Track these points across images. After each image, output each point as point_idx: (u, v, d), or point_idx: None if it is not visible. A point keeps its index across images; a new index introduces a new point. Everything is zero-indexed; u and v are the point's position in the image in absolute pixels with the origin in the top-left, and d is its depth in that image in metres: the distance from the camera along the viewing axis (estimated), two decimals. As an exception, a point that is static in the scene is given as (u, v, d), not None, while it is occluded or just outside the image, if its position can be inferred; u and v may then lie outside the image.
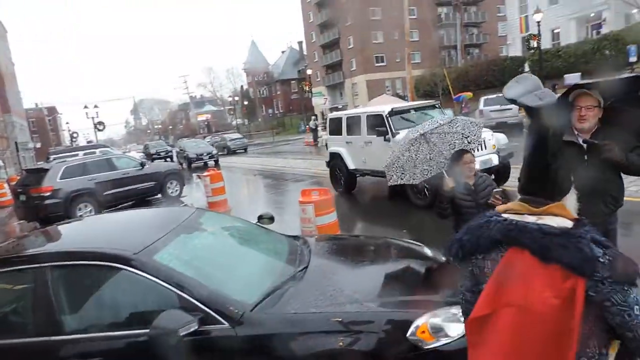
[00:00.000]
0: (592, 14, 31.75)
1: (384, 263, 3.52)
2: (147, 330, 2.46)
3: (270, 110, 75.19)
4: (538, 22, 23.89)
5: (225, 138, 35.12)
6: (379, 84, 48.71)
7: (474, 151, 4.09)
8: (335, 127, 10.53)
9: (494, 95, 19.81)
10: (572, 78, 22.78)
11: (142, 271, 2.70)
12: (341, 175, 10.39)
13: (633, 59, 22.89)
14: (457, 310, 2.73)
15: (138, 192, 12.31)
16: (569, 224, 1.50)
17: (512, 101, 1.76)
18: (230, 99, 75.93)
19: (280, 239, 3.77)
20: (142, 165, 12.85)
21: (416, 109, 9.20)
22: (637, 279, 1.38)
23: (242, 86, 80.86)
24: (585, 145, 2.87)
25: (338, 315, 2.56)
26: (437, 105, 9.73)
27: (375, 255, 3.76)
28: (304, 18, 63.27)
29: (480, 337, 1.55)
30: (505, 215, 1.61)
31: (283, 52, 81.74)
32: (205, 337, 2.51)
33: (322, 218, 5.78)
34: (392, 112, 8.71)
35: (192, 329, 2.43)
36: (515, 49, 36.07)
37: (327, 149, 10.82)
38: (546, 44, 30.59)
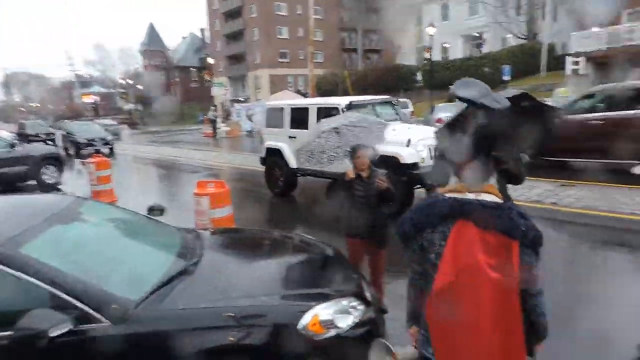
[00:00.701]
0: (476, 34, 35.09)
1: (279, 257, 3.52)
2: (11, 333, 2.19)
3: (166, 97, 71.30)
4: (431, 35, 25.72)
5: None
6: (281, 79, 48.85)
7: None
8: (274, 119, 9.26)
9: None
10: (457, 90, 24.98)
11: (6, 265, 2.39)
12: (280, 174, 9.17)
13: (507, 77, 25.70)
14: (347, 302, 2.84)
15: (6, 177, 10.89)
16: (499, 200, 1.86)
17: (467, 101, 2.02)
18: (123, 81, 70.57)
19: (171, 231, 3.59)
20: (12, 146, 11.40)
21: (375, 104, 8.53)
22: (541, 245, 1.80)
23: (136, 68, 75.71)
24: None
25: (230, 310, 2.50)
26: (393, 102, 9.13)
27: (270, 249, 3.75)
28: (208, 5, 61.09)
29: (448, 308, 1.76)
30: (449, 195, 1.90)
31: (184, 37, 78.15)
32: (81, 338, 2.30)
33: (217, 211, 5.62)
34: (351, 106, 7.91)
35: (65, 329, 2.21)
36: (408, 58, 38.50)
37: (261, 143, 9.60)
38: (436, 56, 33.09)
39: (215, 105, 33.90)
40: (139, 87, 68.93)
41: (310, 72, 27.07)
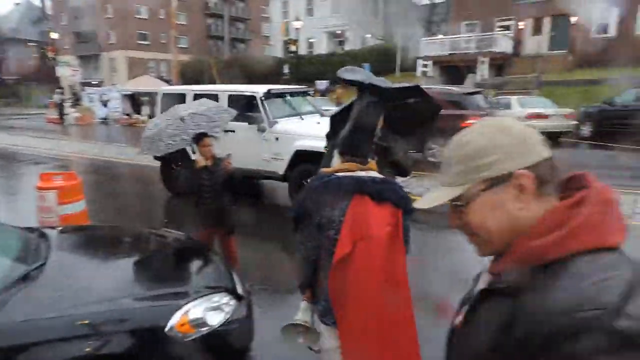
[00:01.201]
0: (339, 32, 36.80)
1: (141, 255, 3.27)
2: None
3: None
4: (297, 29, 26.26)
5: None
6: (141, 63, 45.36)
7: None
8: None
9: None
10: (322, 84, 25.99)
11: None
12: (181, 172, 7.78)
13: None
14: (218, 298, 2.75)
15: None
16: (381, 176, 2.11)
17: (356, 82, 2.25)
18: None
19: (7, 231, 3.09)
20: None
21: (292, 94, 7.88)
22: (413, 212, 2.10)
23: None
24: None
25: (84, 317, 2.25)
26: (309, 93, 8.65)
27: (131, 246, 3.47)
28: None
29: (346, 275, 1.94)
30: (339, 174, 2.06)
31: (17, 4, 67.42)
32: None
33: (67, 207, 5.01)
34: (269, 94, 7.15)
35: None
36: (277, 51, 38.79)
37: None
38: (302, 50, 33.91)
39: (62, 88, 30.04)
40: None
41: (174, 57, 25.66)
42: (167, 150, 4.03)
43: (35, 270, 2.59)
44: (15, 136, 18.53)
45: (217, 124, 4.26)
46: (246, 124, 6.99)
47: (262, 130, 6.94)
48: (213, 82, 26.52)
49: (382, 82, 2.32)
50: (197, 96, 7.33)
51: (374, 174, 2.10)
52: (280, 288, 4.41)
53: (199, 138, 3.83)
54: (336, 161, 2.22)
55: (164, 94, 8.52)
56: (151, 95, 20.58)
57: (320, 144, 5.97)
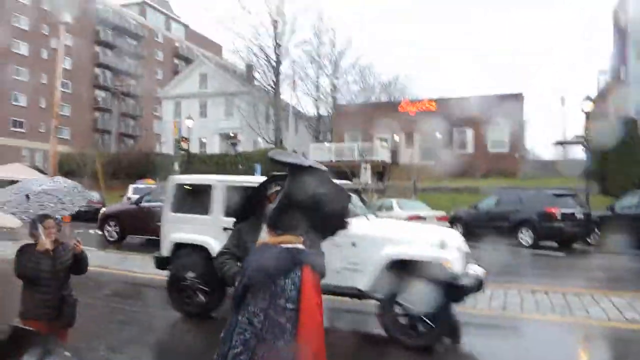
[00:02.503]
0: (232, 134, 38.02)
1: None
2: None
3: None
4: (189, 127, 26.63)
5: None
6: (13, 150, 41.48)
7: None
8: (189, 201, 6.24)
9: (143, 185, 20.30)
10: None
11: None
12: (201, 285, 5.69)
13: (258, 174, 28.22)
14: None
15: None
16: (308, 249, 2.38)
17: (286, 164, 2.52)
18: None
19: None
20: None
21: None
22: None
23: None
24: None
25: None
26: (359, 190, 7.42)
27: None
28: None
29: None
30: (284, 246, 2.23)
31: None
32: None
33: None
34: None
35: None
36: (168, 148, 38.47)
37: (164, 237, 6.23)
38: (194, 149, 34.11)
39: None
40: None
41: (52, 147, 23.94)
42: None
43: None
44: None
45: (65, 207, 3.83)
46: None
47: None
48: (96, 177, 25.10)
49: (306, 159, 2.68)
50: (230, 189, 5.87)
51: (301, 245, 2.33)
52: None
53: (42, 220, 3.48)
54: (264, 235, 2.37)
55: (176, 184, 6.41)
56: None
57: (422, 252, 4.86)
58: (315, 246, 2.72)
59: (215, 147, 37.23)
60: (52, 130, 27.33)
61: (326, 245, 4.61)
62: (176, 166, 33.22)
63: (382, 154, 28.18)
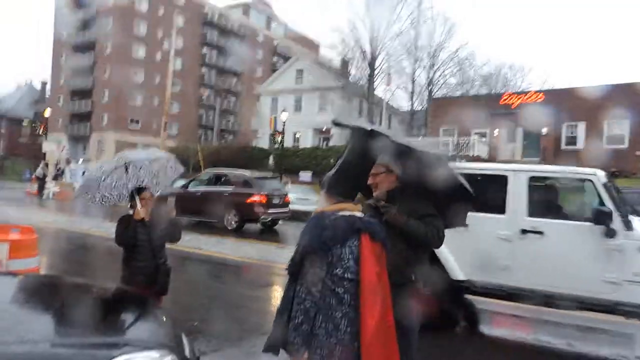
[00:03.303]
0: (324, 129, 38.50)
1: (73, 303, 3.01)
2: None
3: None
4: (284, 121, 27.38)
5: None
6: (129, 145, 46.14)
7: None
8: (496, 195, 4.89)
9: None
10: (305, 176, 26.53)
11: None
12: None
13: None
14: (158, 356, 2.48)
15: None
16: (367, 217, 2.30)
17: (349, 127, 2.45)
18: None
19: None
20: None
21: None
22: None
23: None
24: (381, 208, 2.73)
25: (-1, 357, 1.97)
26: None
27: (64, 295, 3.19)
28: (54, 57, 56.56)
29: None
30: (342, 213, 2.16)
31: (19, 87, 69.95)
32: None
33: (17, 262, 4.69)
34: (609, 179, 4.81)
35: None
36: (264, 142, 40.09)
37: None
38: (288, 143, 35.09)
39: (46, 162, 30.10)
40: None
41: (162, 142, 26.15)
42: (102, 203, 3.91)
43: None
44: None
45: (159, 181, 4.14)
46: (571, 222, 4.63)
47: (610, 235, 4.33)
48: (198, 169, 26.86)
49: (369, 123, 2.58)
50: (535, 183, 4.96)
51: (359, 213, 2.24)
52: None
53: (139, 191, 3.74)
54: (323, 201, 2.31)
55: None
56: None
57: None
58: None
59: (308, 141, 37.95)
60: (163, 126, 29.98)
61: (593, 248, 4.26)
62: (271, 159, 34.56)
63: (480, 150, 26.58)
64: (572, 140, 26.36)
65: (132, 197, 3.74)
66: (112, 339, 2.51)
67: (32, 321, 2.50)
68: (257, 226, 13.70)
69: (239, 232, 12.80)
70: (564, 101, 25.22)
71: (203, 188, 14.30)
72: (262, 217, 13.02)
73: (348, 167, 2.36)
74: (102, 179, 3.89)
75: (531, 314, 5.55)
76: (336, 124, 2.50)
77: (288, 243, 11.13)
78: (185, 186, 14.41)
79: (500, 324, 5.79)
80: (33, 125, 42.97)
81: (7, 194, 25.15)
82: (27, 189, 26.53)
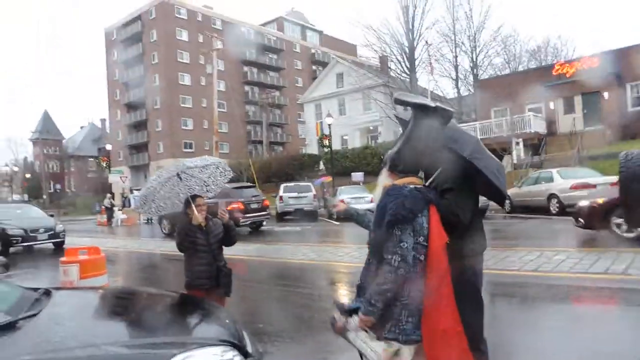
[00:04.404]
0: (371, 127, 38.14)
1: (136, 308, 3.07)
2: None
3: (58, 186, 65.70)
4: (329, 124, 27.38)
5: None
6: (186, 169, 48.07)
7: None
8: None
9: (292, 184, 21.49)
10: (358, 176, 26.31)
11: None
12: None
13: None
14: (220, 352, 2.47)
15: None
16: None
17: (411, 104, 2.41)
18: (7, 168, 64.25)
19: (9, 287, 2.99)
20: None
21: None
22: None
23: (25, 157, 70.14)
24: None
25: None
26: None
27: (128, 301, 3.28)
28: (109, 95, 60.22)
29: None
30: (412, 186, 2.25)
31: (82, 127, 75.10)
32: None
33: (88, 281, 4.91)
34: None
35: None
36: (312, 149, 40.32)
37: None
38: (336, 146, 35.06)
39: (112, 193, 31.94)
40: (27, 176, 63.44)
41: (215, 159, 26.97)
42: (158, 212, 4.04)
43: (22, 320, 2.46)
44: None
45: (210, 188, 4.31)
46: None
47: None
48: (252, 181, 27.44)
49: (432, 100, 2.56)
50: None
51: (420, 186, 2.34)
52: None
53: (193, 199, 3.84)
54: (384, 177, 2.37)
55: None
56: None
57: None
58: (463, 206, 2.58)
59: (356, 141, 37.72)
60: (214, 146, 30.95)
61: None
62: (321, 164, 34.64)
63: (537, 125, 25.17)
64: (638, 101, 24.36)
65: (187, 204, 3.85)
66: (172, 338, 2.52)
67: (96, 327, 2.57)
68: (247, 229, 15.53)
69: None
70: (623, 61, 23.39)
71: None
72: (242, 221, 14.55)
73: (410, 145, 2.37)
74: (157, 189, 4.08)
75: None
76: (399, 101, 2.45)
77: (344, 242, 11.00)
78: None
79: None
80: (97, 160, 45.84)
81: (80, 227, 26.93)
82: (98, 219, 28.19)
